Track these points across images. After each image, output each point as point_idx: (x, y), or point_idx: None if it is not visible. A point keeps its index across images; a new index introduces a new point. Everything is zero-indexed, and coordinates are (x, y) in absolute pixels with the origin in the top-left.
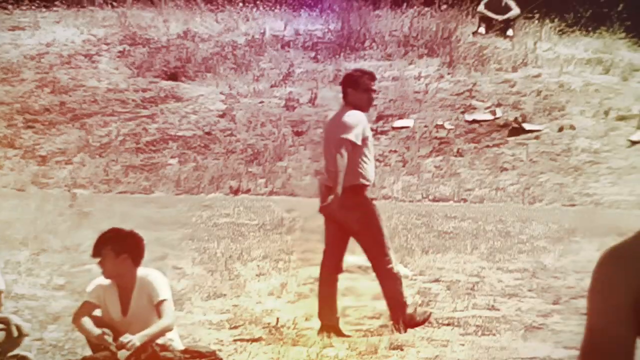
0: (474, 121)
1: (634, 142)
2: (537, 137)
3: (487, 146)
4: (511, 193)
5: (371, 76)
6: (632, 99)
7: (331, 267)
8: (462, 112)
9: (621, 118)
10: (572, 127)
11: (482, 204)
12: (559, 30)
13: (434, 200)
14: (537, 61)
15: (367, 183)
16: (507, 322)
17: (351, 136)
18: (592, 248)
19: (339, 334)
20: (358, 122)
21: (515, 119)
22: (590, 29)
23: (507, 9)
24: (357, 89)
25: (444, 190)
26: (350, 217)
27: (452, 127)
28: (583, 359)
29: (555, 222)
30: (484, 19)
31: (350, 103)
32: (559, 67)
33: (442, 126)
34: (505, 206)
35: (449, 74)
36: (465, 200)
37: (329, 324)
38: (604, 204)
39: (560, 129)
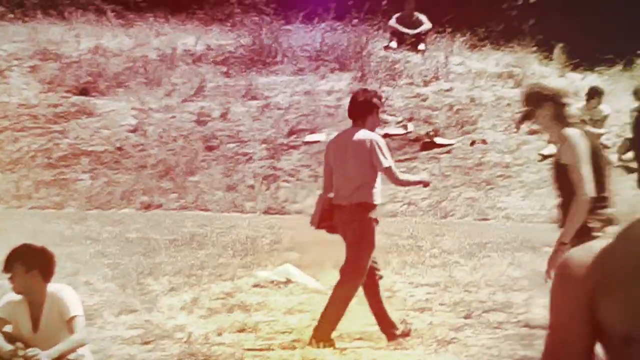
0: (386, 135)
1: (545, 156)
2: (449, 152)
3: (399, 160)
4: (423, 207)
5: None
6: None
7: (367, 280)
8: None
9: (532, 132)
10: (483, 142)
11: (395, 218)
12: (471, 45)
13: None
14: (449, 75)
15: (374, 203)
16: (419, 336)
17: (390, 163)
18: (503, 262)
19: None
20: (385, 145)
21: (427, 134)
22: (501, 43)
23: (419, 23)
24: (377, 113)
25: None
26: (349, 228)
27: None
28: (545, 357)
29: (467, 236)
30: (395, 34)
31: (366, 124)
32: (471, 82)
33: None
34: (418, 220)
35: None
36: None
37: (391, 332)
38: (515, 218)
39: (472, 143)
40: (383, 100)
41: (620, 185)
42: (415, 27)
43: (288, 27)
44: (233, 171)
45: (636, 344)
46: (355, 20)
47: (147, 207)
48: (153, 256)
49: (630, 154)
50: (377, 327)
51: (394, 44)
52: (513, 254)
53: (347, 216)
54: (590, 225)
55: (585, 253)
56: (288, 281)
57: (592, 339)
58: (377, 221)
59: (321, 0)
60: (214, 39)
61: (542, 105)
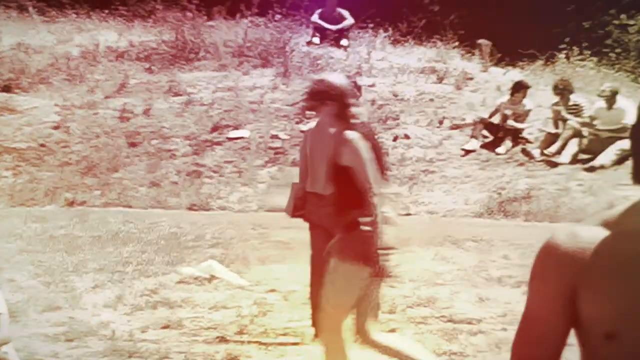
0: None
1: (467, 151)
2: None
3: None
4: None
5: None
6: (465, 108)
7: (321, 274)
8: (297, 122)
9: (455, 127)
10: (406, 137)
11: None
12: (393, 40)
13: (270, 210)
14: (372, 71)
15: None
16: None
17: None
18: (427, 257)
19: None
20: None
21: None
22: (424, 38)
23: (341, 18)
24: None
25: (280, 200)
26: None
27: (288, 137)
28: (517, 344)
29: (390, 231)
30: (318, 29)
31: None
32: (393, 77)
33: (277, 136)
34: None
35: (283, 84)
36: None
37: None
38: (438, 213)
39: (395, 139)
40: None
41: (544, 179)
42: (338, 23)
43: (210, 23)
44: (156, 167)
45: (616, 340)
46: (278, 16)
47: (71, 203)
48: (77, 253)
49: (552, 148)
50: (301, 324)
51: (316, 40)
52: (436, 248)
53: (329, 208)
54: (361, 221)
55: (569, 240)
56: (212, 277)
57: (568, 330)
58: None
59: None
60: (136, 36)
61: (326, 103)
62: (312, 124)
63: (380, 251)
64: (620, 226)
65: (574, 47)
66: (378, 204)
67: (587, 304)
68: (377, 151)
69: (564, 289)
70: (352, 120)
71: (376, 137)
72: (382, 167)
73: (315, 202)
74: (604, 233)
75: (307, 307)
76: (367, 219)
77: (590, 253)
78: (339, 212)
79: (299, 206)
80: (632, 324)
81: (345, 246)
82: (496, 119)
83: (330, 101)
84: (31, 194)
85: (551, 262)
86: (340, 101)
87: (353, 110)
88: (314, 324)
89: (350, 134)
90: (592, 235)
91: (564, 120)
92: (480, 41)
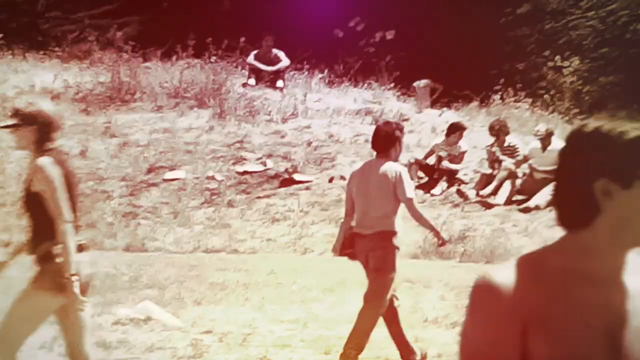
0: (245, 172)
1: None
2: (307, 188)
3: (259, 197)
4: (283, 244)
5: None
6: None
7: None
8: (233, 163)
9: None
10: (342, 178)
11: (254, 254)
12: (329, 81)
13: (206, 251)
14: (307, 112)
15: (396, 231)
16: None
17: (413, 195)
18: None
19: None
20: (409, 177)
21: (286, 170)
22: (359, 79)
23: (277, 60)
24: (400, 145)
25: (216, 241)
26: (372, 256)
27: (223, 178)
28: None
29: (327, 273)
30: (254, 71)
31: (389, 157)
32: (329, 118)
33: (213, 177)
34: (277, 257)
35: (219, 125)
36: (237, 251)
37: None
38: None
39: (331, 180)
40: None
41: (479, 220)
42: (274, 64)
43: (146, 64)
44: (92, 209)
45: None
46: (214, 58)
47: (7, 245)
48: (12, 294)
49: (487, 189)
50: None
51: (252, 81)
52: None
53: (370, 244)
54: (53, 251)
55: (505, 281)
56: (148, 318)
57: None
58: (398, 248)
59: (180, 37)
60: (72, 77)
61: (27, 126)
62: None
63: (73, 278)
64: (551, 264)
65: (509, 89)
66: (69, 233)
67: (536, 345)
68: (70, 179)
69: (512, 324)
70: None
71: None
72: (74, 196)
73: (359, 241)
74: (538, 270)
75: (243, 348)
76: (59, 248)
77: (535, 297)
78: (34, 242)
79: (347, 245)
80: None
81: (40, 278)
82: (431, 160)
83: (30, 126)
84: None
85: (496, 296)
86: (41, 128)
87: (53, 138)
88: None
89: (43, 160)
90: (528, 272)
91: (499, 162)
92: (421, 82)
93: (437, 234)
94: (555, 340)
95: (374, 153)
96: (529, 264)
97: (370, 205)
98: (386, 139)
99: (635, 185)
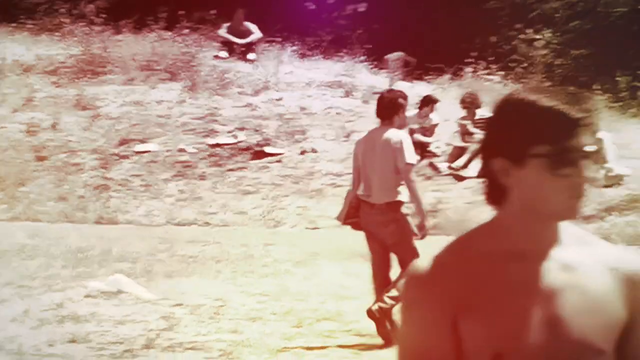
0: (217, 145)
1: None
2: (279, 161)
3: (230, 170)
4: (254, 216)
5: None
6: (373, 122)
7: (380, 280)
8: (205, 136)
9: None
10: (314, 151)
11: (226, 227)
12: (301, 54)
13: (178, 224)
14: (279, 85)
15: (404, 200)
16: (251, 345)
17: (413, 160)
18: (334, 271)
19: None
20: (411, 144)
21: (258, 143)
22: (331, 52)
23: (249, 32)
24: (403, 112)
25: (187, 214)
26: (385, 231)
27: (195, 150)
28: None
29: (298, 245)
30: (225, 43)
31: (393, 124)
32: (301, 91)
33: (184, 150)
34: (249, 229)
35: (190, 98)
36: (208, 224)
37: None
38: (346, 227)
39: (302, 152)
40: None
41: (451, 193)
42: (245, 37)
43: (118, 37)
44: (64, 181)
45: None
46: (186, 30)
47: None
48: None
49: (459, 162)
50: (207, 337)
51: (224, 54)
52: (343, 262)
53: (380, 218)
54: None
55: (435, 266)
56: (119, 291)
57: (458, 355)
58: (408, 215)
59: (151, 9)
60: (43, 49)
61: None
62: (363, 133)
63: None
64: (476, 248)
65: (481, 62)
66: None
67: (471, 330)
68: None
69: (444, 315)
70: None
71: None
72: None
73: (367, 210)
74: (465, 256)
75: (215, 321)
76: None
77: (465, 280)
78: None
79: (352, 214)
80: (517, 345)
81: None
82: None
83: None
84: None
85: (425, 290)
86: None
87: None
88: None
89: None
90: (455, 259)
91: (471, 134)
92: (394, 55)
93: (422, 217)
94: (490, 323)
95: (345, 125)
96: (457, 249)
97: (376, 173)
98: (389, 107)
99: (528, 165)
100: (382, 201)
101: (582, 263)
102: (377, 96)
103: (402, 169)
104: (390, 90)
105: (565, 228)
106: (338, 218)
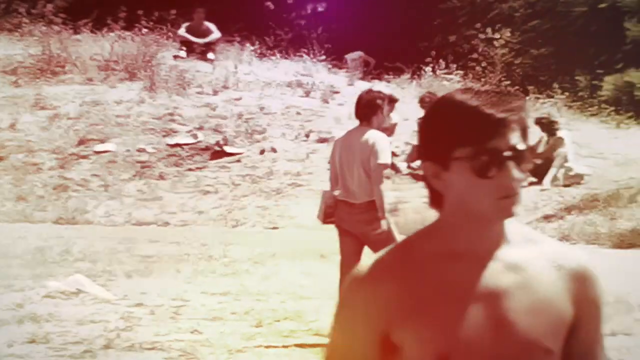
0: (176, 145)
1: None
2: (239, 161)
3: (190, 169)
4: (214, 216)
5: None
6: (332, 121)
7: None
8: (164, 136)
9: (322, 140)
10: (273, 150)
11: (185, 227)
12: (260, 54)
13: (137, 224)
14: (238, 84)
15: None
16: (211, 345)
17: (388, 161)
18: (294, 270)
19: None
20: (388, 145)
21: (217, 142)
22: (290, 52)
23: (208, 32)
24: (382, 113)
25: (147, 214)
26: (367, 229)
27: (154, 150)
28: None
29: (258, 245)
30: (185, 43)
31: (371, 124)
32: (260, 90)
33: (144, 150)
34: (208, 229)
35: (150, 97)
36: (168, 224)
37: None
38: (306, 226)
39: (262, 152)
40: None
41: (410, 192)
42: (205, 37)
43: (77, 36)
44: (22, 181)
45: None
46: (145, 30)
47: None
48: None
49: (418, 162)
50: (167, 337)
51: (183, 53)
52: (303, 262)
53: (360, 216)
54: None
55: (375, 268)
56: (79, 291)
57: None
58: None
59: (110, 9)
60: (2, 49)
61: None
62: (341, 133)
63: None
64: (419, 250)
65: (440, 61)
66: None
67: (409, 329)
68: None
69: (377, 317)
70: None
71: None
72: None
73: (346, 209)
74: (407, 258)
75: (174, 321)
76: None
77: (403, 282)
78: None
79: (330, 213)
80: (461, 346)
81: None
82: None
83: None
84: None
85: (360, 291)
86: None
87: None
88: None
89: None
90: (397, 261)
91: None
92: (353, 54)
93: (382, 214)
94: (433, 324)
95: (304, 124)
96: (400, 251)
97: (354, 173)
98: (368, 107)
99: (453, 168)
100: (363, 200)
101: (528, 262)
102: (335, 95)
103: (373, 168)
104: (369, 91)
105: (511, 227)
106: (318, 217)
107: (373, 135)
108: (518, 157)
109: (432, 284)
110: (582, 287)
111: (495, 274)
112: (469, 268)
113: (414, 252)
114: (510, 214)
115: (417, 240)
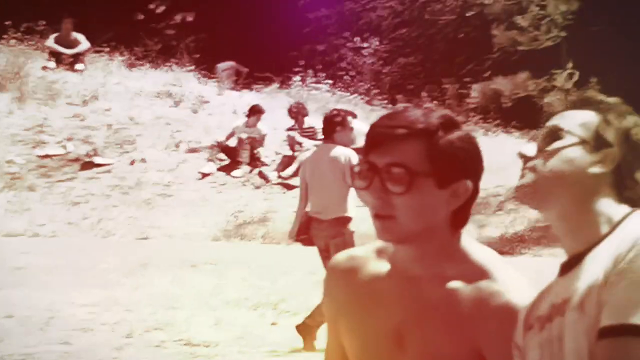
0: (46, 156)
1: (204, 175)
2: (108, 171)
3: (59, 180)
4: (84, 227)
5: (353, 115)
6: (202, 131)
7: None
8: (33, 147)
9: (192, 150)
10: (143, 161)
11: (55, 238)
12: (129, 64)
13: (7, 235)
14: (108, 95)
15: (351, 216)
16: (81, 356)
17: None
18: (165, 281)
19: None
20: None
21: (87, 153)
22: (159, 62)
23: (77, 43)
24: (345, 128)
25: (16, 225)
26: (332, 243)
27: (24, 162)
28: None
29: (128, 255)
30: (53, 54)
31: (335, 140)
32: (130, 101)
33: (13, 161)
34: (78, 240)
35: (19, 109)
36: (38, 235)
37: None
38: (176, 236)
39: (132, 163)
40: (345, 118)
41: (280, 202)
42: (74, 47)
43: None
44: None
45: None
46: (13, 41)
47: None
48: None
49: (288, 171)
50: (37, 349)
51: (51, 64)
52: (174, 271)
53: (328, 231)
54: None
55: (344, 264)
56: None
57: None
58: (354, 232)
59: None
60: None
61: None
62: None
63: None
64: (372, 258)
65: (309, 70)
66: None
67: (343, 331)
68: None
69: (335, 310)
70: None
71: None
72: None
73: (316, 225)
74: (356, 263)
75: (44, 332)
76: None
77: (350, 281)
78: None
79: (302, 231)
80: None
81: None
82: (232, 142)
83: None
84: None
85: (329, 283)
86: None
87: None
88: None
89: None
90: (350, 263)
91: (300, 144)
92: (225, 64)
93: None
94: (353, 331)
95: (174, 134)
96: (360, 253)
97: (324, 190)
98: (326, 125)
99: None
100: (332, 216)
101: (455, 281)
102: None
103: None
104: (332, 109)
105: (470, 242)
106: (289, 235)
107: (341, 152)
108: (386, 172)
109: (360, 292)
110: (485, 320)
111: (413, 291)
112: (390, 283)
113: (366, 259)
114: (381, 236)
115: (378, 248)
